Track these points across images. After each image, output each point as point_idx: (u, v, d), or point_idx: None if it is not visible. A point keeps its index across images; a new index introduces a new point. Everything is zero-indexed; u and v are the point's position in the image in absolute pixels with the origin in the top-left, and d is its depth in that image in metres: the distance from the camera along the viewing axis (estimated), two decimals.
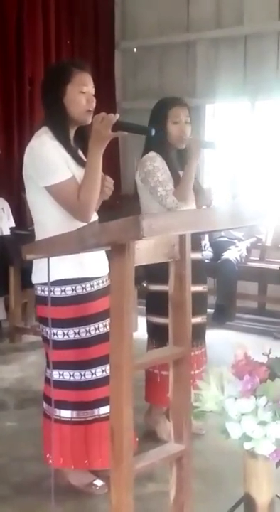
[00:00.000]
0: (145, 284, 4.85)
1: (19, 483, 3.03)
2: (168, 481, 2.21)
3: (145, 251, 1.95)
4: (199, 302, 3.45)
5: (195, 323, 3.40)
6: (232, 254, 6.07)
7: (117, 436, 1.91)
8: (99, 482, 2.90)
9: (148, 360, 2.09)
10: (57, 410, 2.82)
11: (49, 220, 2.75)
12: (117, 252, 1.84)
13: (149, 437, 3.35)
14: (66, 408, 2.83)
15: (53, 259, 2.52)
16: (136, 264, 1.89)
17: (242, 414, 1.96)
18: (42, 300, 2.79)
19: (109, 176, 2.86)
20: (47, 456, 2.84)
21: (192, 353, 3.36)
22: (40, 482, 2.93)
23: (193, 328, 3.33)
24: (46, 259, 2.42)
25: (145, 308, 3.56)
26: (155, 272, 2.13)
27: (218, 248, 6.18)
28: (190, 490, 2.18)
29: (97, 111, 2.75)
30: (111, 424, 1.93)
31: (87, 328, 2.81)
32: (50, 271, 2.59)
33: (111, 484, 1.97)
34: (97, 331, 2.81)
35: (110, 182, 2.87)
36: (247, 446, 1.97)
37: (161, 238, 2.00)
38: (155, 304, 3.31)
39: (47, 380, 2.87)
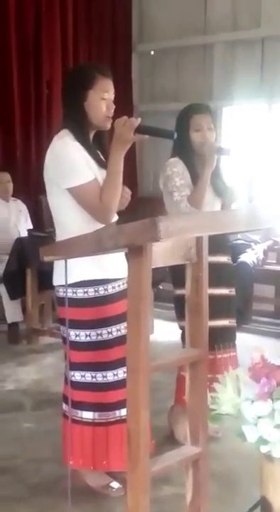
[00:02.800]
0: (161, 287, 4.86)
1: (36, 484, 3.04)
2: (184, 483, 2.21)
3: (162, 253, 1.95)
4: (226, 305, 3.46)
5: (222, 326, 3.42)
6: (248, 257, 6.05)
7: (134, 439, 1.91)
8: (115, 484, 2.91)
9: (164, 362, 2.09)
10: (79, 411, 2.84)
11: (71, 222, 2.76)
12: (134, 253, 1.85)
13: (169, 440, 3.34)
14: (88, 409, 2.84)
15: (75, 261, 2.55)
16: (153, 266, 1.89)
17: (259, 417, 1.95)
18: (63, 302, 2.80)
19: (126, 187, 2.87)
20: (68, 457, 2.85)
21: (220, 356, 3.38)
22: (56, 483, 2.94)
23: (220, 331, 3.38)
24: (68, 261, 2.45)
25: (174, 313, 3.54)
26: (181, 276, 2.13)
27: (235, 251, 6.14)
28: (206, 493, 2.17)
29: (114, 114, 2.77)
30: (127, 426, 1.93)
31: (109, 330, 2.82)
32: (72, 272, 2.65)
33: (127, 486, 1.98)
34: (119, 333, 2.82)
35: (127, 192, 2.88)
36: (264, 449, 1.96)
37: (178, 240, 2.00)
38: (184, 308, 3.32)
39: (68, 381, 2.88)
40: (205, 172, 3.29)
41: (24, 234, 5.69)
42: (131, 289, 1.89)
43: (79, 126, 2.79)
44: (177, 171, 3.33)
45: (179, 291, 3.31)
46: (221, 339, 3.42)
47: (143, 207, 4.34)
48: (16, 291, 5.44)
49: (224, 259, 3.46)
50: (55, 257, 2.31)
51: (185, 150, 3.37)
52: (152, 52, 7.67)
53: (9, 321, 5.50)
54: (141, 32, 7.72)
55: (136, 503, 1.93)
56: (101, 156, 2.85)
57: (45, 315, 5.84)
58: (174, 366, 2.25)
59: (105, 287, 2.81)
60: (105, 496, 2.88)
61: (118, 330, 2.82)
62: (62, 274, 2.70)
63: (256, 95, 6.82)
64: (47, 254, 2.14)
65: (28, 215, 6.07)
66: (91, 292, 2.79)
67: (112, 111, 2.80)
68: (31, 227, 5.91)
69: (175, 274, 3.30)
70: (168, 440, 3.38)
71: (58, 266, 2.78)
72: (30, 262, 5.25)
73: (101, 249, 1.92)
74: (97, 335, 2.81)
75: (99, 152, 2.86)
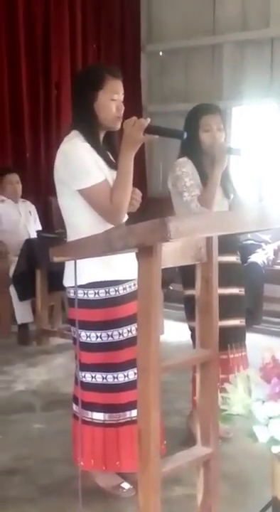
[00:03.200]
0: (171, 288, 4.84)
1: (46, 484, 3.04)
2: (195, 484, 2.20)
3: (172, 253, 1.95)
4: (236, 305, 3.45)
5: (233, 325, 3.42)
6: (258, 258, 6.04)
7: (144, 439, 1.90)
8: (126, 485, 2.91)
9: (175, 363, 2.09)
10: (89, 412, 2.84)
11: (82, 223, 2.76)
12: (144, 254, 1.85)
13: (180, 441, 3.33)
14: (98, 410, 2.84)
15: (86, 262, 2.55)
16: (163, 267, 1.89)
17: (270, 418, 1.94)
18: (74, 303, 2.80)
19: (137, 189, 2.87)
20: (78, 458, 2.84)
21: (232, 356, 3.37)
22: (67, 484, 2.94)
23: (231, 331, 3.38)
24: (79, 263, 2.45)
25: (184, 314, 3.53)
26: (191, 277, 2.12)
27: (245, 251, 6.13)
28: (217, 493, 2.17)
29: (124, 115, 2.77)
30: (138, 426, 1.93)
31: (120, 331, 2.82)
32: (83, 274, 2.65)
33: (138, 487, 1.97)
34: (130, 334, 2.81)
35: (138, 194, 2.88)
36: (275, 449, 1.95)
37: (188, 240, 2.00)
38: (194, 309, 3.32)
39: (78, 382, 2.88)
40: (215, 172, 3.28)
41: (33, 235, 5.70)
42: (141, 290, 1.89)
43: (89, 127, 2.79)
44: (186, 171, 3.33)
45: (189, 292, 3.30)
46: (233, 339, 3.41)
47: (153, 207, 4.33)
48: (26, 292, 5.45)
49: (233, 258, 3.46)
50: (65, 258, 2.31)
51: (194, 150, 3.37)
52: (161, 53, 7.68)
53: (19, 322, 5.51)
54: (150, 32, 7.73)
55: (147, 504, 1.93)
56: (111, 157, 2.85)
57: (55, 316, 5.85)
58: (184, 367, 2.25)
59: (116, 288, 2.81)
60: (116, 497, 2.88)
61: (129, 331, 2.82)
62: (73, 275, 2.71)
63: (266, 95, 6.81)
64: (57, 255, 2.14)
65: (37, 216, 6.07)
66: (102, 293, 2.79)
67: (122, 112, 2.80)
68: (40, 228, 5.92)
69: (185, 274, 3.29)
70: (179, 441, 3.36)
71: (69, 267, 2.78)
72: (39, 263, 5.25)
73: (112, 249, 1.92)
74: (108, 336, 2.81)
75: (109, 153, 2.86)
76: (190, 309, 3.31)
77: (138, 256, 1.89)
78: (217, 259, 2.14)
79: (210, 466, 2.12)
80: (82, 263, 2.54)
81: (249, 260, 5.99)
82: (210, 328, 2.09)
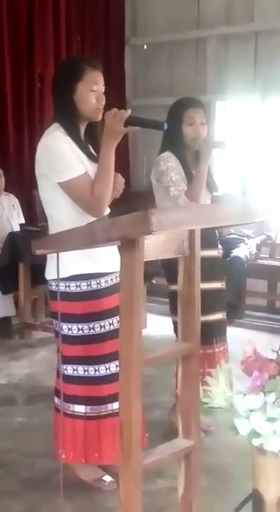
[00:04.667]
0: (155, 282, 4.83)
1: (28, 478, 3.04)
2: (177, 477, 2.21)
3: (154, 246, 1.95)
4: (219, 299, 3.47)
5: (217, 319, 3.44)
6: (241, 252, 6.06)
7: (126, 431, 1.91)
8: (108, 478, 2.91)
9: (156, 355, 2.09)
10: (71, 405, 2.85)
11: (63, 216, 2.75)
12: (127, 246, 1.84)
13: (161, 434, 3.34)
14: (80, 403, 2.85)
15: (68, 255, 2.53)
16: (145, 260, 1.89)
17: (251, 411, 1.95)
18: (56, 295, 2.79)
19: (120, 174, 2.86)
20: (60, 451, 2.84)
21: (217, 349, 3.39)
22: (49, 477, 2.94)
23: (215, 325, 3.39)
24: (60, 255, 2.43)
25: (169, 308, 3.53)
26: (175, 271, 2.12)
27: (228, 245, 6.15)
28: (198, 486, 2.17)
29: (107, 107, 2.75)
30: (120, 418, 1.93)
31: (102, 324, 2.82)
32: (65, 267, 2.63)
33: (119, 479, 1.98)
34: (111, 326, 2.82)
35: (120, 179, 2.87)
36: (256, 442, 1.96)
37: (171, 234, 2.00)
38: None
39: (60, 375, 2.88)
40: (201, 165, 3.28)
41: (17, 228, 5.68)
42: (123, 282, 1.89)
43: (70, 119, 2.78)
44: (171, 165, 3.33)
45: (174, 287, 3.30)
46: (218, 333, 3.43)
47: (136, 201, 4.34)
48: (9, 285, 5.43)
49: (215, 253, 3.47)
50: (47, 251, 2.30)
51: (177, 144, 3.36)
52: (145, 47, 7.66)
53: (1, 315, 5.49)
54: (134, 26, 7.71)
55: (128, 496, 1.93)
56: (92, 150, 2.85)
57: (38, 309, 5.83)
58: (166, 359, 2.25)
59: (98, 281, 2.81)
60: (98, 490, 2.89)
61: (110, 324, 2.82)
62: (55, 267, 2.70)
63: (250, 90, 6.82)
64: (39, 248, 2.13)
65: (21, 210, 6.04)
66: (83, 286, 2.79)
67: (103, 103, 2.79)
68: (23, 221, 5.90)
69: (169, 269, 3.30)
70: (161, 434, 3.37)
71: (51, 260, 2.77)
72: (22, 256, 5.24)
73: (94, 242, 1.92)
74: (90, 329, 2.81)
75: (90, 146, 2.86)
76: (174, 304, 3.31)
77: (120, 249, 1.89)
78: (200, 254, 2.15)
79: (191, 458, 2.13)
80: (63, 256, 2.51)
81: (232, 254, 6.01)
82: (192, 321, 2.09)
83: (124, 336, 1.89)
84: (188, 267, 2.07)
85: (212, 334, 3.29)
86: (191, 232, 2.04)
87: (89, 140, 2.87)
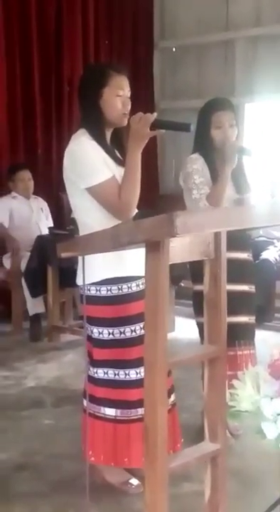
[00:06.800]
0: (183, 284, 4.80)
1: (56, 480, 3.05)
2: (203, 480, 2.20)
3: (180, 249, 1.94)
4: (246, 302, 3.43)
5: (242, 322, 3.40)
6: (270, 254, 6.00)
7: (151, 435, 1.90)
8: (134, 481, 2.91)
9: (182, 358, 2.08)
10: (102, 408, 2.85)
11: (92, 221, 2.76)
12: (152, 249, 1.84)
13: (191, 438, 3.33)
14: (110, 406, 2.85)
15: (99, 259, 2.57)
16: (170, 262, 1.88)
17: (278, 414, 1.94)
18: (87, 300, 2.80)
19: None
20: (89, 453, 2.85)
21: (240, 352, 3.36)
22: (76, 479, 2.94)
23: (239, 327, 3.36)
24: (91, 259, 2.47)
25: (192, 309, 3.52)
26: (200, 272, 2.12)
27: (257, 248, 6.10)
28: (224, 490, 2.16)
29: (135, 110, 2.75)
30: (145, 422, 1.93)
31: (133, 328, 2.82)
32: (96, 271, 2.69)
33: (145, 483, 1.97)
34: (142, 331, 2.80)
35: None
36: None
37: (197, 236, 1.99)
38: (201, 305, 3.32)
39: (90, 378, 2.89)
40: (225, 171, 3.26)
41: (45, 231, 5.71)
42: (148, 285, 1.89)
43: (96, 124, 2.79)
44: (197, 168, 3.32)
45: (197, 287, 3.29)
46: (242, 336, 3.40)
47: (165, 204, 4.34)
48: (37, 288, 5.46)
49: (244, 255, 3.44)
50: (72, 254, 2.31)
51: (206, 147, 3.35)
52: (174, 49, 7.65)
53: (31, 313, 5.51)
54: (163, 29, 7.70)
55: (153, 500, 1.93)
56: (118, 154, 2.85)
57: (66, 312, 5.86)
58: (192, 363, 2.24)
59: (128, 285, 2.81)
60: (124, 493, 2.88)
61: (141, 328, 2.81)
62: (87, 272, 2.72)
63: (279, 91, 6.76)
64: (65, 251, 2.14)
65: (49, 213, 6.09)
66: (114, 290, 2.79)
67: (128, 107, 2.80)
68: (52, 224, 5.93)
69: (194, 269, 3.29)
70: (189, 438, 3.35)
71: (81, 265, 2.79)
72: (50, 259, 5.25)
73: (118, 245, 1.92)
74: (120, 333, 2.82)
75: (116, 150, 2.86)
76: (197, 304, 3.30)
77: (145, 251, 1.88)
78: (227, 256, 2.13)
79: (217, 462, 2.12)
80: (94, 261, 2.56)
81: (261, 257, 5.96)
82: (217, 324, 2.08)
83: (149, 340, 1.88)
84: (214, 270, 2.06)
85: (234, 336, 3.26)
86: (217, 235, 2.03)
87: (115, 145, 2.88)
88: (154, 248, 1.83)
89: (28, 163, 6.13)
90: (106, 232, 1.98)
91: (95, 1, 6.94)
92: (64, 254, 2.12)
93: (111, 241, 1.93)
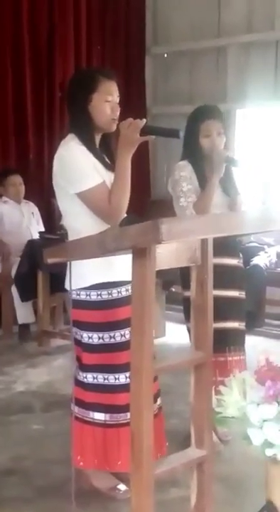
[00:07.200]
0: (174, 290, 4.80)
1: (43, 485, 3.04)
2: (191, 486, 2.20)
3: (166, 255, 1.95)
4: (236, 308, 3.45)
5: (232, 328, 3.41)
6: (261, 260, 6.01)
7: (137, 440, 1.91)
8: (122, 487, 2.90)
9: (168, 364, 2.09)
10: (91, 412, 2.85)
11: (82, 226, 2.76)
12: (138, 256, 1.85)
13: (178, 443, 3.34)
14: (100, 411, 2.85)
15: (89, 265, 2.56)
16: (157, 269, 1.89)
17: (264, 421, 1.94)
18: (77, 304, 2.81)
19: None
20: (78, 458, 2.84)
21: (230, 358, 3.37)
22: (64, 485, 2.93)
23: (230, 333, 3.38)
24: (81, 264, 2.47)
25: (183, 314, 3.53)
26: (189, 278, 2.13)
27: (247, 254, 6.10)
28: (211, 495, 2.17)
29: (127, 116, 2.76)
30: (131, 428, 1.93)
31: (122, 332, 2.82)
32: (87, 276, 2.70)
33: (131, 488, 1.97)
34: None
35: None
36: (269, 452, 1.95)
37: (183, 242, 2.00)
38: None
39: (79, 383, 2.89)
40: (212, 180, 3.27)
41: (36, 236, 5.71)
42: (135, 291, 1.90)
43: (85, 130, 2.80)
44: (185, 175, 3.32)
45: (187, 293, 3.30)
46: (232, 342, 3.41)
47: (156, 209, 4.34)
48: (28, 293, 5.45)
49: (234, 262, 3.45)
50: (59, 259, 2.31)
51: (194, 154, 3.36)
52: (165, 55, 7.66)
53: (20, 321, 5.52)
54: (155, 34, 7.71)
55: (139, 505, 1.93)
56: (107, 160, 2.86)
57: (57, 317, 5.85)
58: (178, 368, 2.24)
59: (118, 290, 2.82)
60: (112, 498, 2.88)
61: (131, 332, 2.82)
62: (77, 277, 2.73)
63: (271, 98, 6.79)
64: (51, 257, 2.14)
65: (40, 218, 6.08)
66: (104, 295, 2.80)
67: (117, 113, 2.80)
68: (43, 229, 5.93)
69: (184, 275, 3.29)
70: (178, 443, 3.36)
71: (73, 269, 2.79)
72: (41, 264, 5.24)
73: (105, 251, 1.92)
74: (110, 337, 2.82)
75: (105, 155, 2.87)
76: (187, 310, 3.30)
77: (132, 258, 1.89)
78: (217, 262, 2.15)
79: (203, 468, 2.12)
80: (84, 265, 2.56)
81: (252, 263, 5.96)
82: (204, 330, 2.08)
83: (136, 345, 1.89)
84: (201, 276, 2.07)
85: (225, 342, 3.27)
86: (204, 241, 2.03)
87: (104, 150, 2.88)
88: (141, 254, 1.83)
89: (20, 168, 6.13)
90: (93, 238, 1.99)
91: (87, 7, 6.94)
92: (50, 260, 2.13)
93: (97, 247, 1.93)
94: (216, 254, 2.12)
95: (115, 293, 2.81)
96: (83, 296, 2.78)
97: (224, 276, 3.11)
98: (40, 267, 5.31)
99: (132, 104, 2.86)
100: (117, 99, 2.81)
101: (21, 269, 5.41)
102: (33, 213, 5.98)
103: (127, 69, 7.26)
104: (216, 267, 2.15)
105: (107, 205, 2.72)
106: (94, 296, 2.79)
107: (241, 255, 3.60)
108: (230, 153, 3.43)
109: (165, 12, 7.58)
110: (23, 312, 5.49)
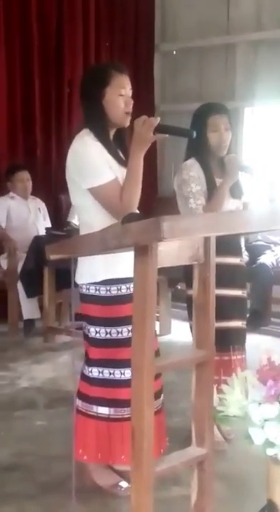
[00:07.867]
0: (180, 287, 4.79)
1: (45, 481, 3.05)
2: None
3: (169, 253, 1.95)
4: (238, 307, 3.44)
5: (235, 327, 3.41)
6: (267, 259, 6.01)
7: (138, 438, 1.91)
8: (124, 484, 2.90)
9: (169, 362, 2.09)
10: (95, 407, 2.86)
11: (93, 221, 2.76)
12: (140, 253, 1.84)
13: (181, 441, 3.34)
14: (103, 405, 2.85)
15: (99, 260, 2.60)
16: (159, 266, 1.88)
17: (265, 420, 1.94)
18: (86, 298, 2.82)
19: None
20: (80, 451, 2.85)
21: (234, 357, 3.36)
22: (66, 481, 2.92)
23: (233, 332, 3.37)
24: (92, 260, 2.50)
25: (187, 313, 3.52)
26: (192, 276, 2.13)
27: (254, 252, 6.11)
28: (211, 494, 2.16)
29: (136, 113, 2.76)
30: (132, 425, 1.93)
31: (130, 328, 2.81)
32: (96, 271, 2.73)
33: (131, 486, 1.97)
34: None
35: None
36: (270, 452, 1.95)
37: (186, 240, 2.00)
38: None
39: (85, 377, 2.90)
40: (224, 185, 3.27)
41: (42, 232, 5.71)
42: (136, 289, 1.89)
43: (99, 124, 2.80)
44: (193, 175, 3.30)
45: (190, 292, 3.29)
46: (235, 341, 3.40)
47: (163, 207, 4.33)
48: (33, 289, 5.46)
49: (237, 260, 3.44)
50: (61, 256, 2.31)
51: (201, 151, 3.35)
52: (174, 52, 7.65)
53: (25, 317, 5.52)
54: (164, 31, 7.71)
55: (139, 503, 1.93)
56: (122, 155, 2.86)
57: (63, 313, 5.86)
58: (180, 367, 2.24)
59: (127, 286, 2.81)
60: (113, 495, 2.88)
61: None
62: (87, 272, 2.76)
63: (279, 95, 6.77)
64: (53, 253, 2.14)
65: (47, 214, 6.09)
66: (113, 290, 2.81)
67: (131, 107, 2.81)
68: (50, 225, 5.93)
69: (188, 273, 3.29)
70: (181, 441, 3.36)
71: (83, 264, 2.81)
72: (47, 260, 5.24)
73: (106, 248, 1.92)
74: (118, 332, 2.83)
75: (119, 151, 2.87)
76: (191, 309, 3.31)
77: (134, 255, 1.89)
78: (219, 261, 2.14)
79: (204, 466, 2.12)
80: (95, 261, 2.62)
81: (258, 261, 5.96)
82: (206, 328, 2.08)
83: (137, 343, 1.89)
84: (203, 274, 2.07)
85: (229, 341, 3.27)
86: (206, 240, 2.03)
87: (118, 145, 2.89)
88: (142, 252, 1.83)
89: (27, 164, 6.13)
90: (95, 235, 1.98)
91: (96, 3, 6.94)
92: (52, 257, 2.13)
93: (99, 244, 1.93)
94: (219, 253, 2.12)
95: (124, 289, 2.81)
96: (92, 291, 2.80)
97: (226, 275, 3.10)
98: (46, 263, 5.32)
99: (140, 101, 2.87)
100: (130, 93, 2.81)
101: (27, 264, 5.42)
102: (39, 209, 5.98)
103: (136, 66, 7.25)
104: (219, 265, 2.14)
105: (118, 202, 2.73)
106: (103, 291, 2.80)
107: (246, 253, 3.58)
108: (244, 161, 3.41)
109: (174, 9, 7.57)
110: (29, 308, 5.50)
